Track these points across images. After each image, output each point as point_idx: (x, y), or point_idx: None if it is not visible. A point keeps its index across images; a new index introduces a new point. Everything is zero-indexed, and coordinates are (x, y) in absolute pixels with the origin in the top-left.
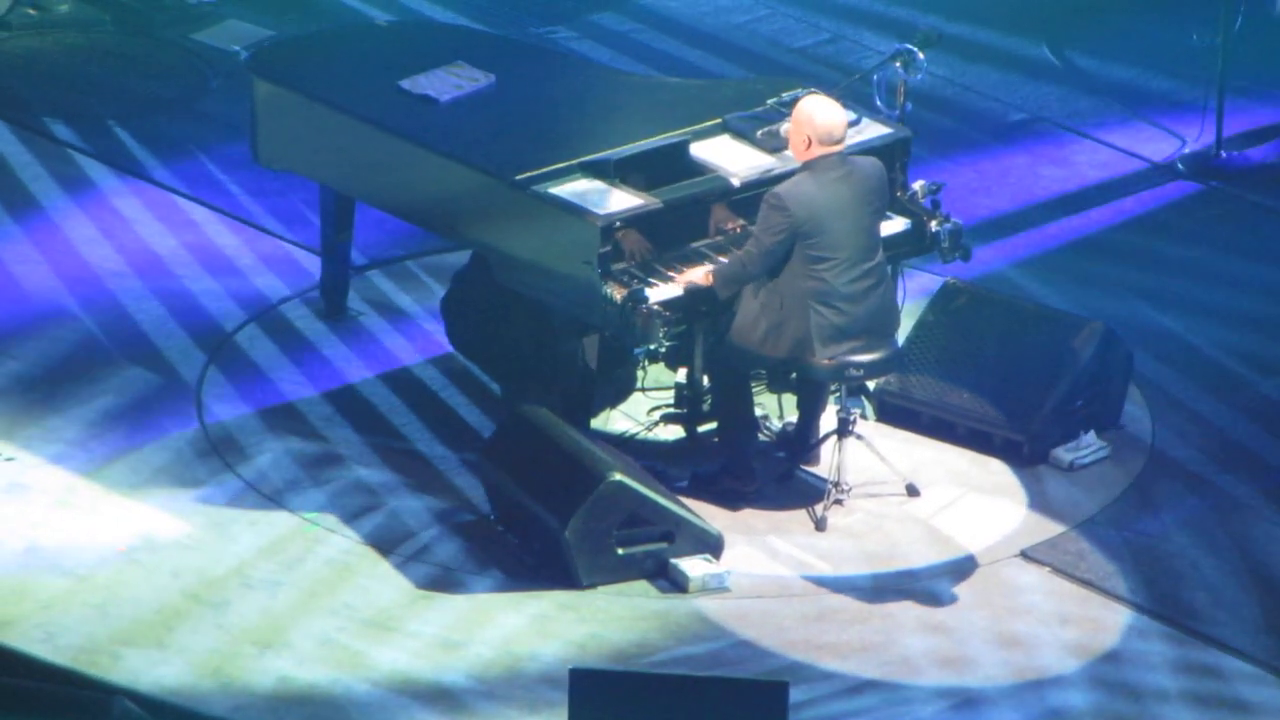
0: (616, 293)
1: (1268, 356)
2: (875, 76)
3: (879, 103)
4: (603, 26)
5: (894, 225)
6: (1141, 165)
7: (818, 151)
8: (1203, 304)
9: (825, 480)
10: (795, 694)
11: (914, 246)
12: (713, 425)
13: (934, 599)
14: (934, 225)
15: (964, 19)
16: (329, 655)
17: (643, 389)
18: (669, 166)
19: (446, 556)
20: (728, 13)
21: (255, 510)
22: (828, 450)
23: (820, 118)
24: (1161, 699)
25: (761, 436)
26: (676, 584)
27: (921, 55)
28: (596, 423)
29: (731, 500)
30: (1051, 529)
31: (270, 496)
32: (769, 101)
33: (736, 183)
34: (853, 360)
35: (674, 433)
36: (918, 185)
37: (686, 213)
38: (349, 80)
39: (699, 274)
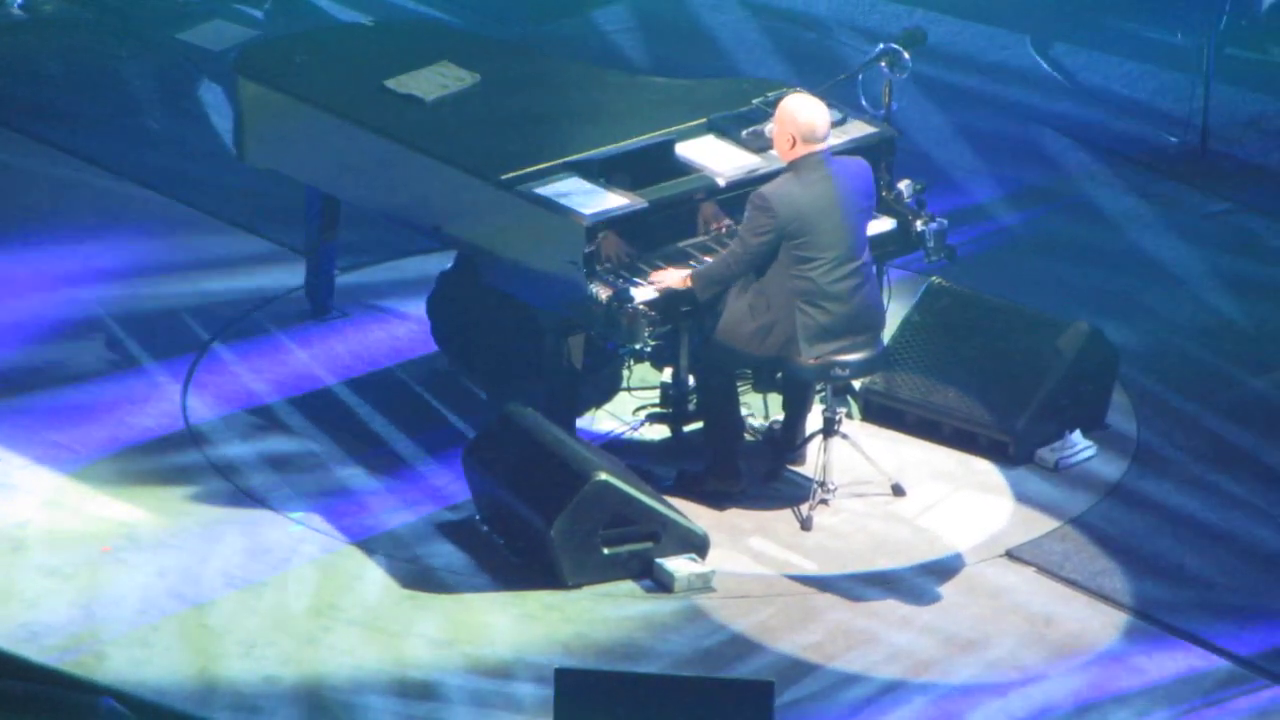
0: (602, 292)
1: (1253, 355)
2: (860, 76)
3: (864, 102)
4: (590, 25)
5: (880, 225)
6: (1126, 163)
7: (802, 151)
8: (1188, 303)
9: (811, 480)
10: (781, 694)
11: (900, 246)
12: (698, 425)
13: (919, 598)
14: (919, 225)
15: (949, 16)
16: (314, 655)
17: (628, 389)
18: (654, 166)
19: (432, 557)
20: (714, 11)
21: (240, 510)
22: (813, 450)
23: (804, 116)
24: (1147, 699)
25: (747, 436)
26: (662, 584)
27: (907, 54)
28: (582, 423)
29: (717, 500)
30: (1037, 529)
31: (255, 497)
32: (754, 101)
33: (722, 182)
34: (838, 360)
35: (659, 432)
36: (903, 185)
37: (672, 212)
38: (334, 80)
39: (676, 277)
